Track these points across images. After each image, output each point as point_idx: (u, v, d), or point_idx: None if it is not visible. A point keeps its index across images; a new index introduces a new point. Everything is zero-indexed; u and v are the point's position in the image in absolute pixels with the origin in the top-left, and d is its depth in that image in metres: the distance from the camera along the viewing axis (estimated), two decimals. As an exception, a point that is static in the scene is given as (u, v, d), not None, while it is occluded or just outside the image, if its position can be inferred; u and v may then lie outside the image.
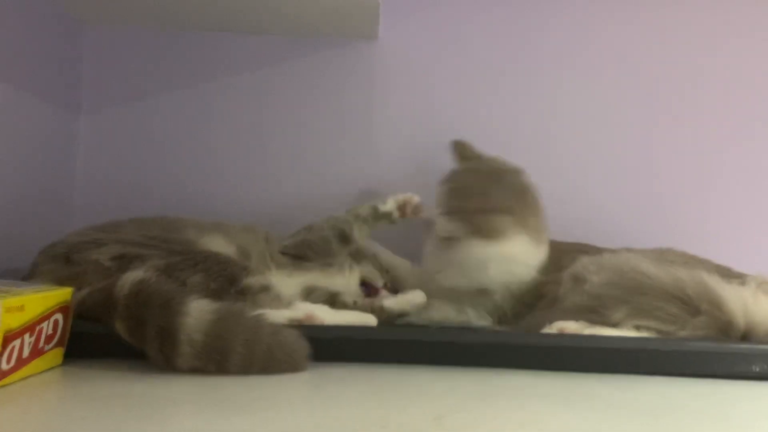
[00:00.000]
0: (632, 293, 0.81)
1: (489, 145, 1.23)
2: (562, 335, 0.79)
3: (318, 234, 0.99)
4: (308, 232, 1.00)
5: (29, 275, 0.78)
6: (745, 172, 1.24)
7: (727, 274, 0.89)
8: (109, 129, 1.23)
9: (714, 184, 1.24)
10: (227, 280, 0.76)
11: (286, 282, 0.91)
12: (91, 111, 1.23)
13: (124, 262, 0.74)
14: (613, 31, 1.25)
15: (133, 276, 0.68)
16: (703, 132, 1.24)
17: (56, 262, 0.77)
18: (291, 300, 0.80)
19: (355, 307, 0.92)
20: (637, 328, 0.80)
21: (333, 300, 0.93)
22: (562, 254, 0.96)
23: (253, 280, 0.77)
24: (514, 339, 0.75)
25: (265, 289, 0.78)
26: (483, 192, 0.96)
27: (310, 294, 0.92)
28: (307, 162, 1.24)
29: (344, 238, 1.00)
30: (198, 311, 0.65)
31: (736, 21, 1.25)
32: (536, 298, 0.93)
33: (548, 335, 0.79)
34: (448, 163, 1.23)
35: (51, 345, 0.66)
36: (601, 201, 1.23)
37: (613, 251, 0.96)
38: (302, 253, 0.96)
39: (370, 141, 1.24)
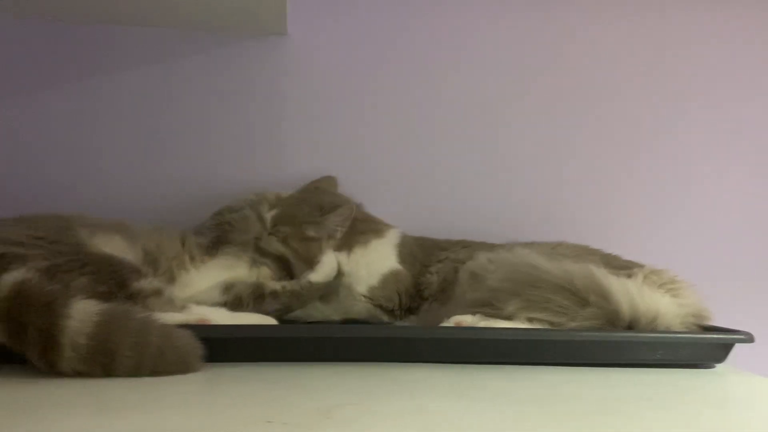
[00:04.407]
0: (524, 287, 0.84)
1: (401, 140, 1.25)
2: (456, 328, 0.80)
3: (237, 213, 1.01)
4: (227, 214, 1.01)
5: None
6: (642, 171, 1.29)
7: (616, 264, 0.94)
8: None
9: (614, 184, 1.28)
10: (116, 284, 0.74)
11: (206, 276, 0.91)
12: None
13: (3, 263, 0.71)
14: (521, 30, 1.27)
15: (13, 277, 0.65)
16: (605, 131, 1.28)
17: None
18: (185, 303, 0.79)
19: (283, 290, 0.93)
20: (530, 320, 0.83)
21: (259, 292, 0.93)
22: (436, 249, 1.05)
23: (144, 284, 0.76)
24: (409, 333, 0.76)
25: (157, 292, 0.76)
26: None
27: (229, 290, 0.92)
28: (212, 161, 1.20)
29: (261, 218, 1.01)
30: (82, 313, 0.63)
31: (633, 26, 1.30)
32: (415, 290, 1.00)
33: (442, 328, 0.81)
34: (357, 160, 1.24)
35: None
36: (508, 198, 1.26)
37: (500, 246, 1.00)
38: (221, 233, 0.97)
39: (278, 139, 1.22)
